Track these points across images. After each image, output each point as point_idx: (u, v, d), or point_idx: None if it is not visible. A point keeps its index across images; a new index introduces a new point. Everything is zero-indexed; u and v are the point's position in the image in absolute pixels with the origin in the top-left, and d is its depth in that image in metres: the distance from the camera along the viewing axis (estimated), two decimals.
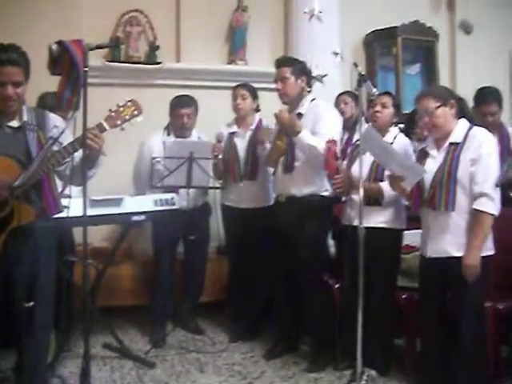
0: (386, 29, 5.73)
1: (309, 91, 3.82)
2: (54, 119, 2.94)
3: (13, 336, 2.92)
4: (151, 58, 5.19)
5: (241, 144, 4.21)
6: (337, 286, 3.80)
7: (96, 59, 4.61)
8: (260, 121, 4.24)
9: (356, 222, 3.20)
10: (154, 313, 4.33)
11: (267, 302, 4.15)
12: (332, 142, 3.40)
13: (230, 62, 5.44)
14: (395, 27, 5.67)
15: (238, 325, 4.30)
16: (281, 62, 3.77)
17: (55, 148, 2.74)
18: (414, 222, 3.37)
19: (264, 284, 4.14)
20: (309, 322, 3.79)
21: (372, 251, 3.19)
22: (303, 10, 5.24)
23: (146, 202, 3.78)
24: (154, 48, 5.20)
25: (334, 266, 3.86)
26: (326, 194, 3.68)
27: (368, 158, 3.34)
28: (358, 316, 3.07)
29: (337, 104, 4.56)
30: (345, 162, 3.64)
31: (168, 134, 4.29)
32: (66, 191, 2.95)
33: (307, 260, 3.60)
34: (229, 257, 4.46)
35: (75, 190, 2.84)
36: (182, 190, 4.02)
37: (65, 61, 2.83)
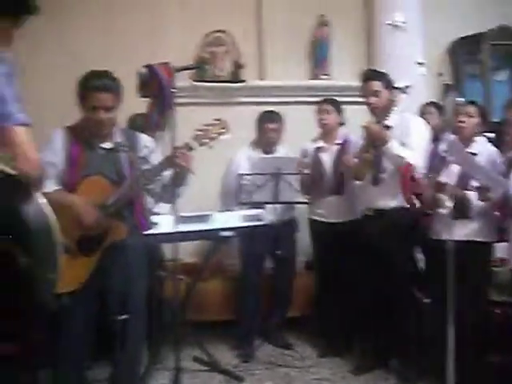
0: (472, 35, 5.54)
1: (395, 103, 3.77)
2: (144, 139, 3.06)
3: (107, 348, 3.03)
4: (236, 77, 5.29)
5: (326, 159, 4.20)
6: (426, 300, 3.70)
7: (183, 80, 4.74)
8: (345, 135, 4.22)
9: (444, 236, 3.12)
10: (241, 327, 4.36)
11: (356, 316, 4.10)
12: (409, 165, 3.36)
13: (314, 77, 5.45)
14: (481, 33, 5.47)
15: (327, 340, 4.27)
16: (370, 76, 3.74)
17: (146, 167, 2.85)
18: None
19: (352, 298, 4.09)
20: (398, 337, 3.71)
21: (461, 265, 3.09)
22: (386, 22, 5.19)
23: (234, 218, 3.83)
24: (238, 67, 5.29)
25: (423, 280, 3.76)
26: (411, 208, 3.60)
27: (454, 169, 3.26)
28: (448, 331, 2.98)
29: (421, 114, 4.47)
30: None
31: (254, 150, 4.35)
32: (156, 209, 3.05)
33: (396, 274, 3.54)
34: (316, 271, 4.44)
35: (165, 207, 2.93)
36: (269, 206, 4.04)
37: (153, 84, 2.94)
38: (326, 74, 5.43)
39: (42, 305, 2.02)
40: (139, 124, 3.70)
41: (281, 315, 4.49)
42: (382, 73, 3.86)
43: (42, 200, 1.85)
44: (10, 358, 3.07)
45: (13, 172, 1.82)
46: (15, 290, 1.94)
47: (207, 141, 2.84)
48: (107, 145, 2.94)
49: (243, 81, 5.27)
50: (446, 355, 2.99)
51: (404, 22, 5.15)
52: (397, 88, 4.00)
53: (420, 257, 3.95)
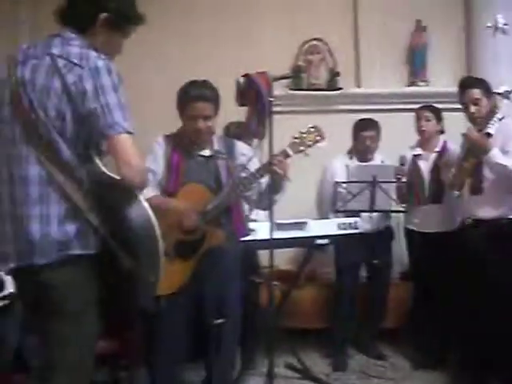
0: None
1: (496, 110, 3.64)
2: (242, 147, 3.12)
3: (202, 351, 3.10)
4: (332, 85, 5.27)
5: (425, 166, 4.11)
6: None
7: (280, 88, 4.80)
8: (445, 143, 4.12)
9: None
10: (335, 336, 4.33)
11: (452, 329, 3.97)
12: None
13: (411, 83, 5.34)
14: None
15: (421, 352, 4.16)
16: (469, 84, 3.63)
17: (243, 174, 2.90)
18: None
19: (449, 311, 3.97)
20: (497, 357, 3.54)
21: None
22: (486, 25, 5.01)
23: (330, 226, 3.82)
24: (334, 74, 5.27)
25: None
26: None
27: None
28: None
29: None
30: None
31: (351, 158, 4.32)
32: (253, 215, 3.10)
33: (496, 288, 3.40)
34: (413, 282, 4.35)
35: (261, 214, 2.98)
36: (364, 214, 4.01)
37: (251, 92, 2.98)
38: (423, 81, 5.30)
39: (142, 307, 2.10)
40: (236, 132, 3.77)
41: (375, 325, 4.43)
42: (481, 80, 3.74)
43: (147, 205, 1.92)
44: (109, 356, 3.21)
45: (118, 177, 1.90)
46: (118, 291, 2.03)
47: (303, 148, 2.86)
48: (206, 152, 3.02)
49: (340, 88, 5.24)
50: None
51: (506, 24, 4.95)
52: (497, 93, 3.85)
53: None
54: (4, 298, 3.31)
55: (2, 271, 3.26)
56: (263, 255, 3.75)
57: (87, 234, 1.93)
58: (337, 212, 3.99)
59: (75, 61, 1.91)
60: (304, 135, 2.89)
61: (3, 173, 1.97)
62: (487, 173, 3.48)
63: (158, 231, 1.91)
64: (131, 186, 1.90)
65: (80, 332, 1.96)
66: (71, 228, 1.91)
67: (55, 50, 1.96)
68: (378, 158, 4.32)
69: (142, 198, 1.94)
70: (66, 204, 1.91)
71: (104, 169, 1.98)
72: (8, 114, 1.97)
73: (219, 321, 2.89)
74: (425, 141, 4.16)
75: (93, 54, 1.95)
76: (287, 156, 2.85)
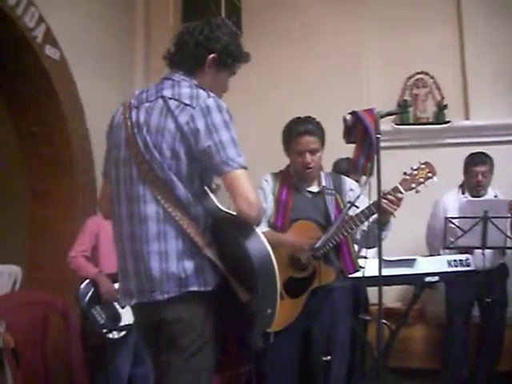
0: None
1: None
2: (350, 183, 3.12)
3: None
4: (439, 118, 5.19)
5: None
6: None
7: (386, 124, 4.77)
8: None
9: None
10: (447, 378, 4.19)
11: None
12: None
13: None
14: None
15: None
16: None
17: (352, 212, 2.89)
18: None
19: None
20: None
21: None
22: None
23: (440, 263, 3.73)
24: (442, 107, 5.19)
25: None
26: None
27: None
28: None
29: None
30: None
31: (463, 193, 4.22)
32: (363, 252, 3.07)
33: None
34: None
35: (371, 251, 2.94)
36: (477, 251, 3.88)
37: (358, 129, 2.98)
38: None
39: (253, 341, 2.12)
40: (343, 168, 3.78)
41: (490, 368, 4.22)
42: None
43: (264, 239, 1.95)
44: None
45: (235, 213, 1.95)
46: (236, 325, 2.07)
47: (415, 185, 2.81)
48: (314, 188, 3.04)
49: (448, 121, 5.14)
50: None
51: None
52: None
53: None
54: (121, 329, 3.46)
55: (118, 305, 3.42)
56: (371, 292, 3.70)
57: (205, 271, 1.98)
58: (448, 248, 3.88)
59: (186, 101, 1.99)
60: (415, 172, 2.83)
61: (123, 212, 2.07)
62: None
63: (275, 265, 1.93)
64: (248, 220, 1.94)
65: (195, 366, 2.00)
66: (189, 264, 1.98)
67: (166, 93, 2.05)
68: (491, 193, 4.19)
69: (259, 232, 1.97)
70: (184, 240, 1.98)
71: (219, 205, 2.04)
72: (124, 156, 2.07)
73: (327, 358, 2.87)
74: None
75: (203, 93, 2.02)
76: (399, 193, 2.81)
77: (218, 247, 2.00)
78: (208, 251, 1.97)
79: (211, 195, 2.08)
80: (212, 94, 2.03)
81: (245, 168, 1.95)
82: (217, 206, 2.05)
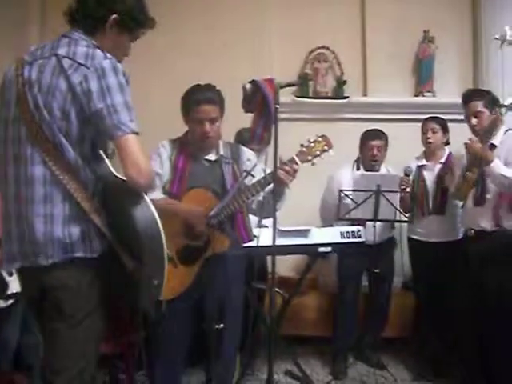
0: None
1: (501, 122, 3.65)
2: (247, 153, 3.13)
3: (202, 355, 3.10)
4: (339, 93, 5.29)
5: (429, 177, 4.13)
6: None
7: (286, 96, 4.81)
8: (450, 154, 4.12)
9: None
10: (335, 344, 4.34)
11: (455, 339, 3.97)
12: None
13: (418, 94, 5.35)
14: None
15: (422, 363, 4.15)
16: (470, 96, 3.64)
17: (248, 181, 2.90)
18: None
19: (452, 321, 3.96)
20: (498, 370, 3.52)
21: None
22: (493, 36, 5.01)
23: (333, 234, 3.83)
24: (341, 83, 5.29)
25: None
26: None
27: None
28: None
29: None
30: None
31: (358, 168, 4.33)
32: (258, 222, 3.10)
33: (496, 300, 3.39)
34: (415, 291, 4.34)
35: (267, 221, 2.97)
36: (368, 223, 4.00)
37: (258, 98, 2.98)
38: (430, 91, 5.31)
39: (144, 310, 2.09)
40: (246, 138, 3.78)
41: (376, 334, 4.42)
42: (484, 92, 3.75)
43: (153, 208, 1.91)
44: (109, 358, 3.22)
45: (124, 179, 1.89)
46: (120, 292, 2.03)
47: (311, 158, 2.85)
48: (211, 157, 3.03)
49: (346, 97, 5.26)
50: None
51: None
52: (503, 106, 3.85)
53: None
54: (8, 297, 3.32)
55: (6, 272, 3.28)
56: (268, 262, 3.75)
57: (92, 237, 1.93)
58: (340, 220, 3.99)
59: (81, 61, 1.91)
60: (312, 144, 2.87)
61: (10, 173, 1.98)
62: (491, 184, 3.48)
63: (163, 234, 1.90)
64: (137, 187, 1.89)
65: (82, 334, 1.95)
66: (75, 230, 1.92)
67: (61, 51, 1.96)
68: (383, 169, 4.32)
69: (148, 200, 1.92)
70: (71, 205, 1.91)
71: (112, 169, 1.97)
72: (14, 115, 1.97)
73: (220, 326, 2.89)
74: (430, 152, 4.17)
75: (99, 53, 1.94)
76: (295, 164, 2.84)
77: (108, 213, 1.94)
78: (95, 217, 1.91)
79: (106, 160, 2.00)
80: (109, 56, 1.95)
81: (136, 133, 1.90)
82: (110, 172, 1.98)
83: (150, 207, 1.91)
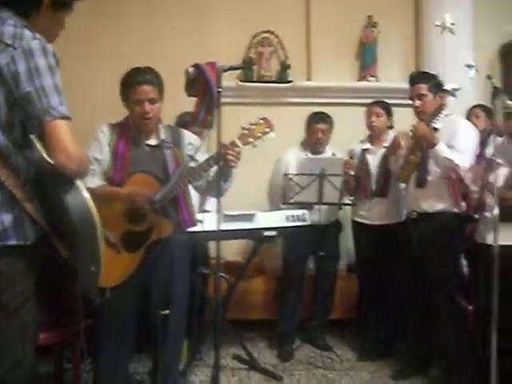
0: None
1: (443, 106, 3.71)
2: (189, 137, 3.10)
3: (148, 342, 3.08)
4: (283, 77, 5.29)
5: (373, 161, 4.17)
6: (470, 307, 3.62)
7: (229, 80, 4.78)
8: (394, 138, 4.17)
9: (490, 240, 3.04)
10: (282, 327, 4.37)
11: (398, 320, 4.06)
12: (457, 168, 3.33)
13: (361, 78, 5.41)
14: None
15: (367, 343, 4.24)
16: (416, 79, 3.69)
17: (191, 164, 2.88)
18: None
19: (395, 302, 4.05)
20: (440, 343, 3.63)
21: (508, 270, 3.00)
22: (435, 23, 5.11)
23: (278, 218, 3.84)
24: (285, 67, 5.29)
25: (467, 286, 3.68)
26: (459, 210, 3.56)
27: (502, 172, 3.18)
28: (491, 340, 2.91)
29: (468, 117, 4.38)
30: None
31: (304, 151, 4.35)
32: (207, 206, 3.08)
33: (438, 279, 3.48)
34: (359, 274, 4.41)
35: (211, 205, 2.96)
36: (314, 206, 4.03)
37: (200, 82, 2.96)
38: (373, 76, 5.38)
39: (86, 297, 2.05)
40: (188, 121, 3.73)
41: (322, 317, 4.47)
42: (429, 75, 3.80)
43: (86, 194, 1.85)
44: (54, 347, 3.16)
45: (53, 163, 1.82)
46: (58, 281, 1.98)
47: (252, 140, 2.85)
48: (152, 141, 2.99)
49: (290, 81, 5.27)
50: (489, 365, 2.92)
51: (453, 24, 5.07)
52: (445, 90, 3.93)
53: (464, 262, 3.89)
54: None
55: None
56: (211, 246, 3.74)
57: (24, 224, 1.86)
58: (287, 204, 4.00)
59: (8, 41, 1.81)
60: (253, 127, 2.87)
61: None
62: (432, 166, 3.55)
63: (96, 220, 1.83)
64: (67, 173, 1.82)
65: (18, 324, 1.89)
66: (7, 217, 1.84)
67: None
68: (329, 151, 4.35)
69: (80, 186, 1.85)
70: (3, 192, 1.83)
71: (45, 155, 1.87)
72: None
73: (165, 312, 2.87)
74: (374, 136, 4.22)
75: (28, 33, 1.84)
76: (236, 147, 2.83)
77: (41, 200, 1.88)
78: (28, 204, 1.84)
79: (38, 145, 1.92)
80: (38, 36, 1.84)
81: (67, 118, 1.81)
82: (43, 158, 1.90)
83: (82, 193, 1.84)
